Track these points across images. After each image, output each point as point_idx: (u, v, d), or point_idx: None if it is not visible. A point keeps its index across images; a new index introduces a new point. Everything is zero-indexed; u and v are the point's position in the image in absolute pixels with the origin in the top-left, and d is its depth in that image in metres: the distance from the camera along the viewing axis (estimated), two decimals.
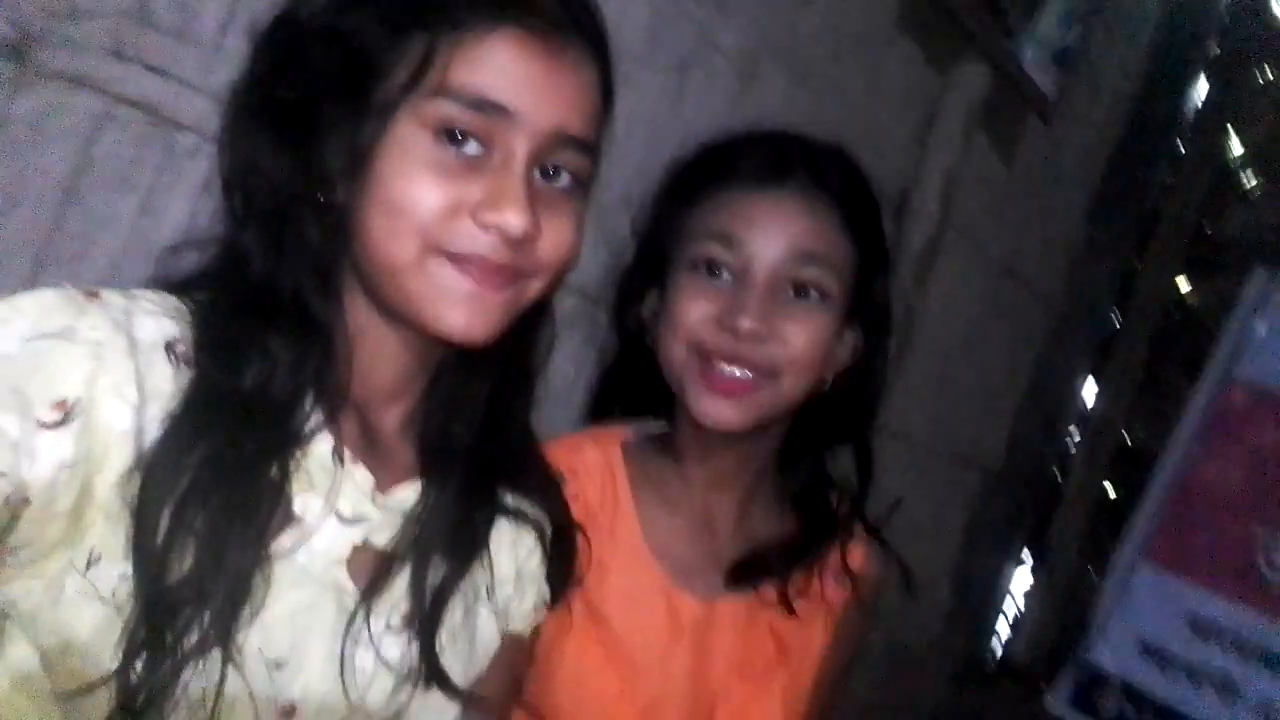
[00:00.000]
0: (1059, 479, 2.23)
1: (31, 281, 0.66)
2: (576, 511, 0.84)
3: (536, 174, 0.61)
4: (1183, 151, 2.22)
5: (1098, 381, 2.23)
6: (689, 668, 0.88)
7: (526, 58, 0.58)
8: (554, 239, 0.62)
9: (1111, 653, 1.96)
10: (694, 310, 0.84)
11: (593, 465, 0.90)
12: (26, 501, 0.49)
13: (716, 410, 0.83)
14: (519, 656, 0.78)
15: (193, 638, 0.52)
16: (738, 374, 0.83)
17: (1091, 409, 2.23)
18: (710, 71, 1.16)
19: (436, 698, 0.66)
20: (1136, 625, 1.94)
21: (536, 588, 0.77)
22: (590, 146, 0.63)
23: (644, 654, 0.86)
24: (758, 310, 0.81)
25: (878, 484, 0.99)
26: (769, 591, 0.91)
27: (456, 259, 0.58)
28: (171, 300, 0.59)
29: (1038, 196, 1.92)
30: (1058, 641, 2.12)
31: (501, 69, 0.57)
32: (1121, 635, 1.95)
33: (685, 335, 0.84)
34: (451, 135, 0.58)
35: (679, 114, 1.15)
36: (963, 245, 1.70)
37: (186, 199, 0.73)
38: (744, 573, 0.91)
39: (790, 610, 0.91)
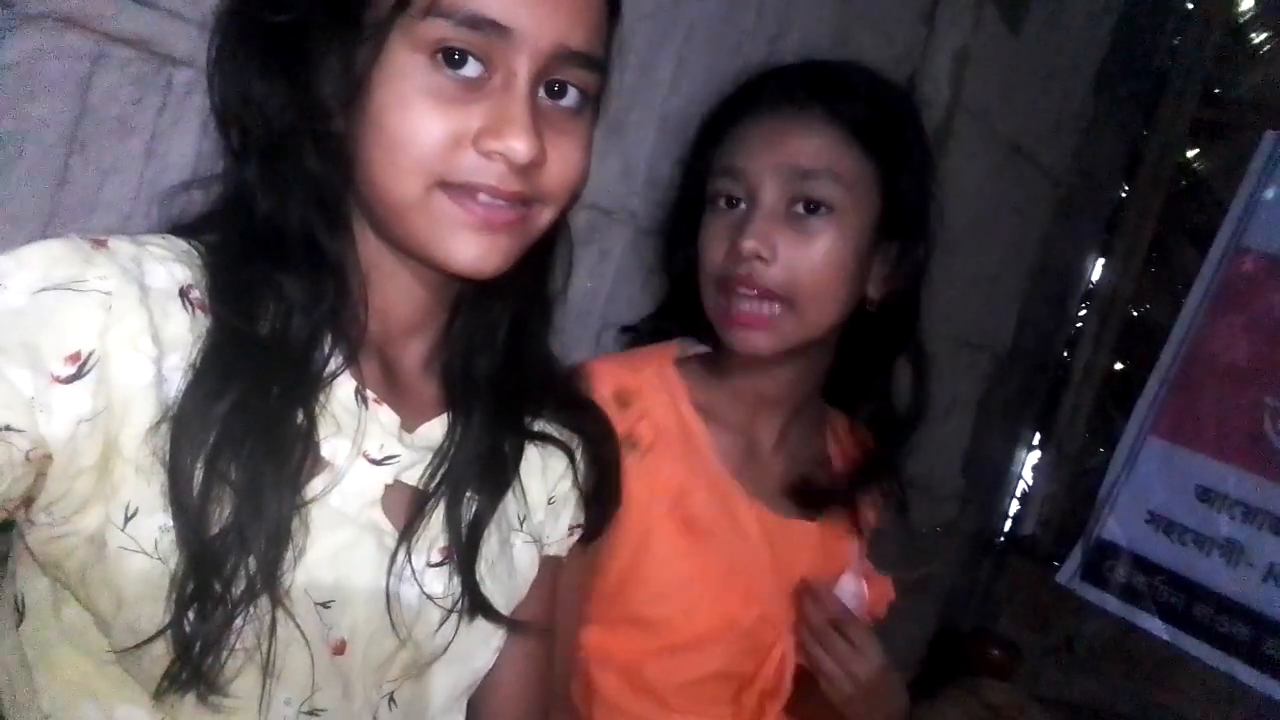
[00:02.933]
0: (1067, 357, 2.24)
1: (43, 236, 0.63)
2: (645, 433, 0.88)
3: (541, 92, 0.58)
4: (1190, 8, 2.15)
5: (1105, 257, 2.22)
6: (769, 571, 0.92)
7: None
8: (561, 164, 0.59)
9: (1120, 525, 2.01)
10: (712, 247, 0.88)
11: (655, 384, 0.92)
12: (49, 458, 0.49)
13: (745, 340, 0.87)
14: (557, 577, 0.79)
15: (240, 586, 0.52)
16: (761, 308, 0.85)
17: (1098, 284, 2.23)
18: None
19: (482, 626, 0.68)
20: (1145, 497, 1.99)
21: (570, 510, 0.77)
22: (596, 61, 0.60)
23: (735, 557, 0.91)
24: (760, 231, 0.84)
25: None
26: (834, 517, 0.96)
27: (461, 193, 0.56)
28: (181, 244, 0.57)
29: (1045, 68, 1.86)
30: (1067, 517, 2.17)
31: None
32: (1130, 508, 2.00)
33: (707, 272, 0.89)
34: (449, 57, 0.54)
35: (682, 7, 1.09)
36: (972, 126, 1.66)
37: (191, 138, 0.70)
38: (811, 497, 0.95)
39: (858, 530, 0.98)
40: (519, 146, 0.55)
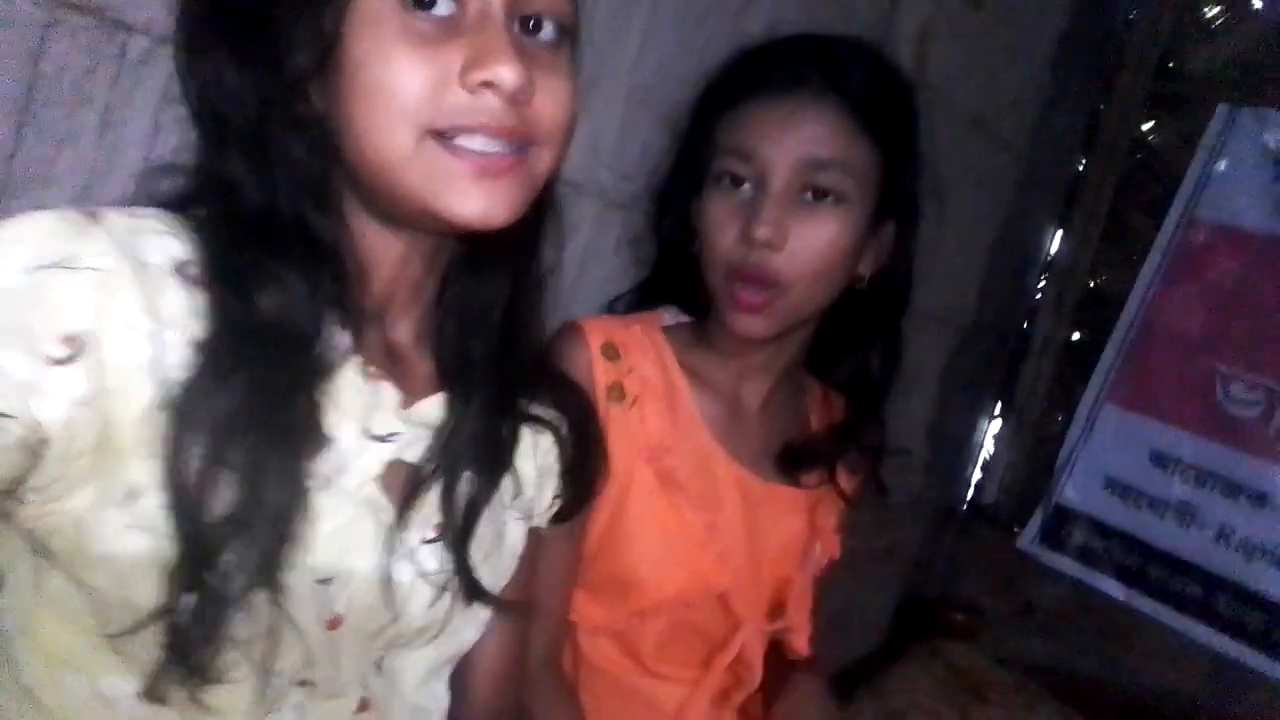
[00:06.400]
0: (1026, 329, 2.27)
1: None
2: (632, 385, 0.90)
3: (517, 28, 0.56)
4: None
5: (1063, 229, 2.25)
6: (743, 539, 0.94)
7: None
8: (551, 98, 0.57)
9: (1078, 491, 2.06)
10: (720, 229, 0.87)
11: (644, 342, 0.94)
12: (46, 442, 0.48)
13: (744, 325, 0.88)
14: (538, 551, 0.79)
15: (239, 577, 0.51)
16: (764, 295, 0.86)
17: (1057, 256, 2.26)
18: None
19: (473, 606, 0.68)
20: (1102, 463, 2.04)
21: (553, 481, 0.77)
22: None
23: (712, 518, 0.93)
24: (772, 218, 0.84)
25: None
26: (810, 479, 0.99)
27: (454, 139, 0.54)
28: (171, 218, 0.55)
29: (1005, 42, 1.87)
30: (1028, 485, 2.21)
31: None
32: (1087, 473, 2.05)
33: (715, 256, 0.88)
34: None
35: None
36: (935, 101, 1.67)
37: (147, 110, 0.68)
38: (795, 458, 0.97)
39: (843, 494, 1.01)
40: (505, 73, 0.53)
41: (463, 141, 0.54)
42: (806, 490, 0.99)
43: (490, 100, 0.54)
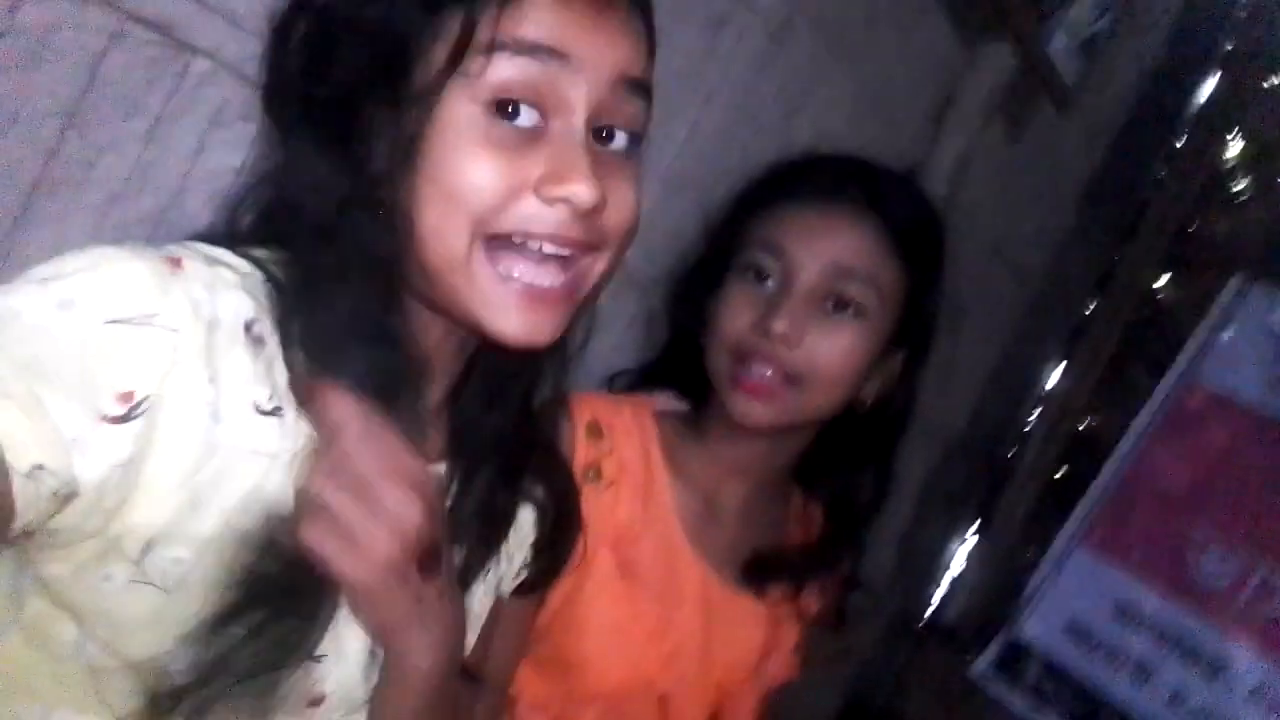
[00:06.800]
0: (1011, 457, 2.28)
1: (25, 206, 0.61)
2: (610, 467, 0.89)
3: (592, 138, 0.57)
4: (1179, 148, 2.22)
5: (1064, 366, 2.27)
6: (697, 642, 0.92)
7: (574, 4, 0.54)
8: (619, 207, 0.58)
9: (1038, 629, 2.04)
10: (736, 315, 0.88)
11: (630, 426, 0.93)
12: (76, 495, 0.47)
13: (747, 409, 0.87)
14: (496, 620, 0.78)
15: (245, 655, 0.51)
16: (772, 382, 0.85)
17: (1053, 391, 2.28)
18: (742, 30, 1.11)
19: None
20: (1066, 605, 2.02)
21: (524, 550, 0.77)
22: (649, 90, 0.59)
23: (667, 615, 0.91)
24: (791, 316, 0.84)
25: None
26: (774, 593, 0.96)
27: (505, 255, 0.54)
28: (243, 264, 0.55)
29: (1036, 179, 1.91)
30: (990, 612, 2.20)
31: (551, 17, 0.53)
32: (1050, 613, 2.04)
33: (725, 337, 0.88)
34: (504, 108, 0.53)
35: (706, 72, 1.10)
36: (961, 225, 1.69)
37: (195, 129, 0.68)
38: (763, 568, 0.95)
39: (806, 615, 0.98)
40: (582, 191, 0.54)
41: (524, 248, 0.55)
42: (770, 603, 0.97)
43: (562, 212, 0.55)
